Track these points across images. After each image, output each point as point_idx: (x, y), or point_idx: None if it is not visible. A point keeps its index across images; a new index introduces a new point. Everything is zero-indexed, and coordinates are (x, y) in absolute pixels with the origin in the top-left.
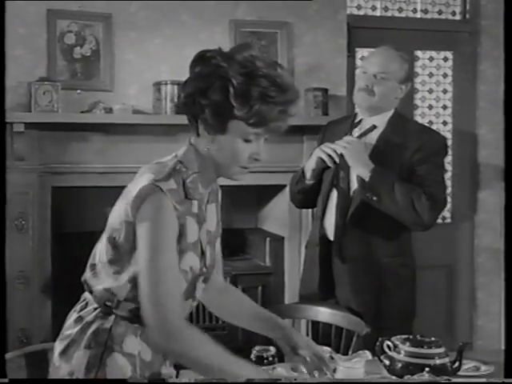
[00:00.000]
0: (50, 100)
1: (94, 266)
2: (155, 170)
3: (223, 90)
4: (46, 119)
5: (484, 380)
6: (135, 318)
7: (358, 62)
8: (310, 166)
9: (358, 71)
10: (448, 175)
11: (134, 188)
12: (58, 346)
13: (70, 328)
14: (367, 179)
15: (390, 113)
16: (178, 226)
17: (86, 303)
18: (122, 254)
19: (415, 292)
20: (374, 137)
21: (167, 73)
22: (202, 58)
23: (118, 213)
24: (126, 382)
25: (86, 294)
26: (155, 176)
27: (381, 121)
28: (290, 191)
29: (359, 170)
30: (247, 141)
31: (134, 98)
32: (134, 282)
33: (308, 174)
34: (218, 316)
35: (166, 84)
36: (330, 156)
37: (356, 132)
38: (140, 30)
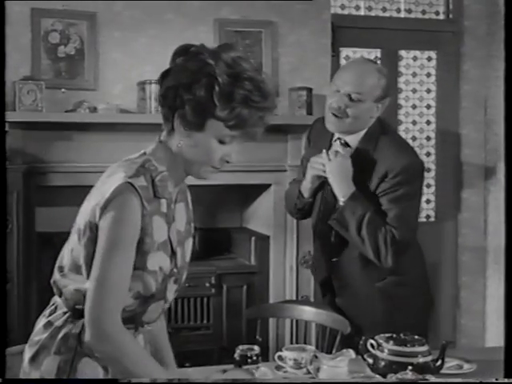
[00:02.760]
0: (34, 99)
1: (62, 268)
2: (126, 168)
3: (208, 87)
4: (30, 118)
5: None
6: None
7: (343, 62)
8: (306, 185)
9: (330, 88)
10: (432, 174)
11: (104, 188)
12: (28, 353)
13: (39, 334)
14: (341, 203)
15: (363, 132)
16: (142, 225)
17: (55, 307)
18: (88, 256)
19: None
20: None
21: (152, 72)
22: (186, 52)
23: (86, 213)
24: (124, 382)
25: (56, 298)
26: (126, 174)
27: (354, 139)
28: (288, 208)
29: (337, 189)
30: (222, 142)
31: (118, 97)
32: None
33: (306, 194)
34: None
35: (151, 83)
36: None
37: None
38: (125, 29)
